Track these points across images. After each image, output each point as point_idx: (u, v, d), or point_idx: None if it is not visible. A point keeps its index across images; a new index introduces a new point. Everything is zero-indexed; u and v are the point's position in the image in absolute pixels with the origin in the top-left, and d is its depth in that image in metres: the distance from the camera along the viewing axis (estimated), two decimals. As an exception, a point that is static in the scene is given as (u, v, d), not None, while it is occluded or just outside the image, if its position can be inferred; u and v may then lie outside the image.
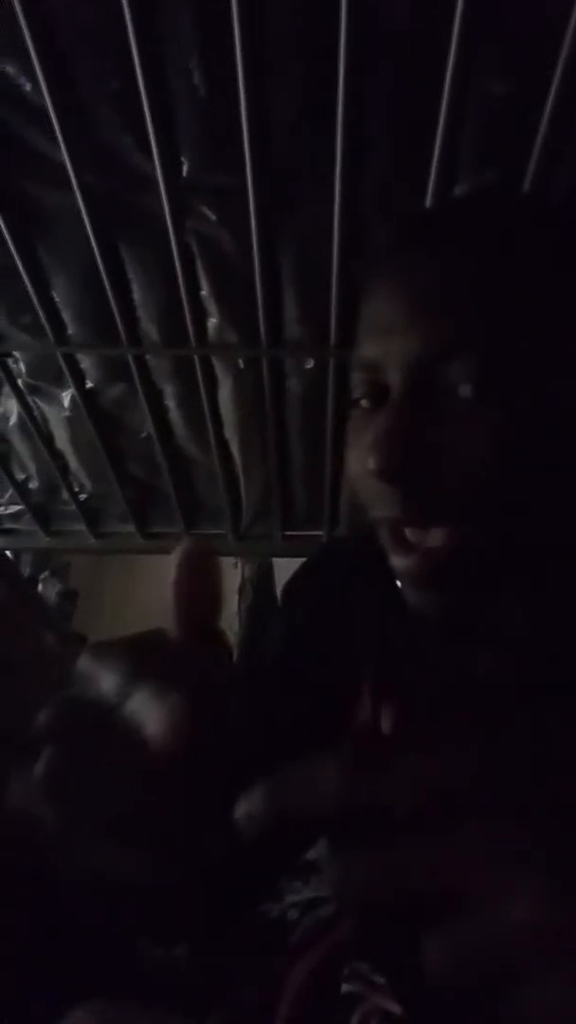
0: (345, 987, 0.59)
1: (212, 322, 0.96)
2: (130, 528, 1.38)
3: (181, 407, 1.11)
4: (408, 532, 0.42)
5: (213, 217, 0.84)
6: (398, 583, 0.44)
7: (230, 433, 1.14)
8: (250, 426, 1.12)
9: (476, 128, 0.73)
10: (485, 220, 0.42)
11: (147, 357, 1.02)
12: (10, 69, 0.74)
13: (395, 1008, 0.55)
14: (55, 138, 0.77)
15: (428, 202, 0.78)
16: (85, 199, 0.82)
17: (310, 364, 1.01)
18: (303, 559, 0.67)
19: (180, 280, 0.90)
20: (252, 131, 0.74)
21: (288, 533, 1.34)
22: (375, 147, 0.76)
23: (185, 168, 0.79)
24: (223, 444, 1.16)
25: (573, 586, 0.45)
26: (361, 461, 0.41)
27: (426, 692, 0.48)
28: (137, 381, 1.04)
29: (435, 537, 0.40)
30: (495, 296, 0.38)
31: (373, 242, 0.83)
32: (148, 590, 2.27)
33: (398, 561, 0.42)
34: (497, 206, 0.45)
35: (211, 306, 0.94)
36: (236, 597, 1.81)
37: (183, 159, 0.79)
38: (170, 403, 1.10)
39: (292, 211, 0.83)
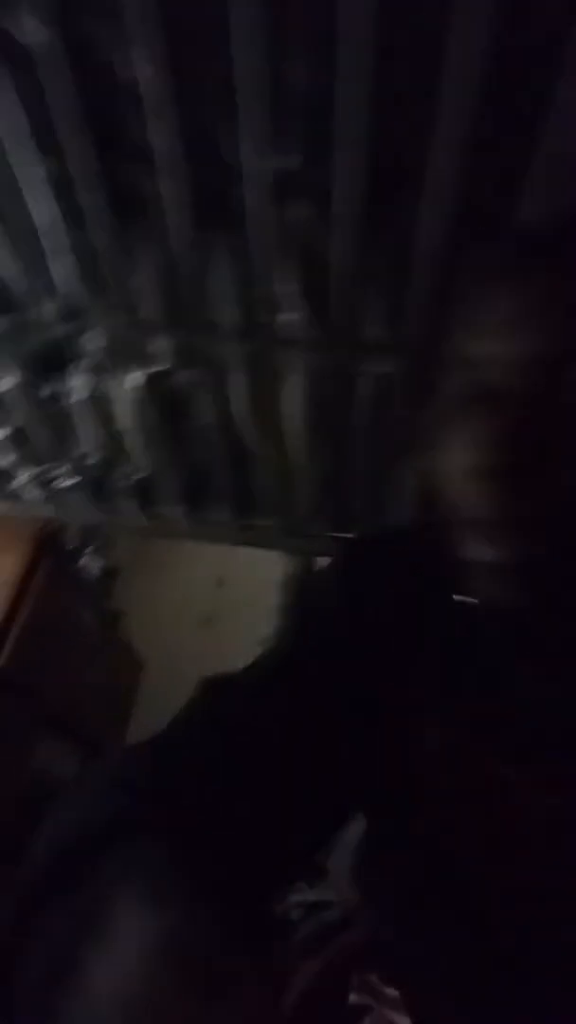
0: (353, 997, 0.59)
1: (293, 316, 0.95)
2: (181, 511, 1.39)
3: (248, 398, 1.10)
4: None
5: (311, 211, 0.82)
6: (467, 583, 0.44)
7: (293, 429, 1.13)
8: (315, 425, 1.11)
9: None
10: None
11: (221, 345, 1.02)
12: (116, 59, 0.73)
13: (405, 1021, 0.55)
14: (158, 128, 0.76)
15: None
16: (182, 187, 0.82)
17: (385, 369, 0.99)
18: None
19: (267, 272, 0.89)
20: (355, 127, 0.73)
21: (338, 535, 1.32)
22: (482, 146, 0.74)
23: (286, 159, 0.78)
24: (286, 439, 1.15)
25: None
26: (465, 458, 0.41)
27: (486, 707, 0.46)
28: (208, 368, 1.04)
29: (532, 535, 0.40)
30: None
31: (470, 248, 0.81)
32: (187, 574, 2.29)
33: (482, 552, 0.41)
34: None
35: (295, 300, 0.93)
36: (279, 591, 1.80)
37: (283, 151, 0.78)
38: (238, 393, 1.09)
39: (390, 210, 0.82)
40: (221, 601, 2.16)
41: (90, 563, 1.91)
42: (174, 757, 0.44)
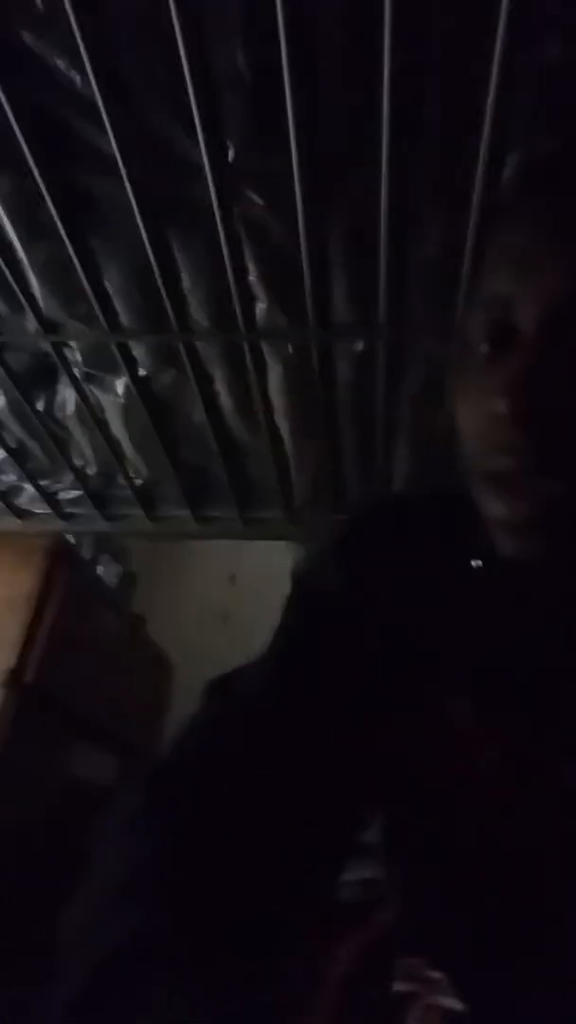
0: (398, 985, 0.57)
1: (261, 307, 0.96)
2: (185, 512, 1.41)
3: (232, 392, 1.12)
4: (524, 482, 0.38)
5: (260, 202, 0.84)
6: (493, 537, 0.41)
7: (281, 418, 1.15)
8: (300, 410, 1.12)
9: (526, 97, 0.70)
10: None
11: (197, 343, 1.04)
12: (60, 63, 0.75)
13: (456, 1004, 0.53)
14: (104, 129, 0.78)
15: (478, 180, 0.76)
16: (134, 188, 0.83)
17: (360, 347, 1.00)
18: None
19: (228, 266, 0.90)
20: (297, 113, 0.74)
21: (341, 517, 1.33)
22: (423, 126, 0.74)
23: (231, 153, 0.80)
24: (274, 429, 1.17)
25: None
26: (483, 408, 0.38)
27: (515, 681, 0.43)
28: (188, 367, 1.05)
29: (557, 484, 0.37)
30: None
31: (422, 222, 0.82)
32: (201, 573, 2.32)
33: (504, 507, 0.38)
34: None
35: (259, 291, 0.94)
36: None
37: (229, 144, 0.79)
38: (220, 388, 1.11)
39: (340, 194, 0.82)
40: (235, 596, 2.19)
41: (107, 571, 1.95)
42: (186, 780, 0.44)
